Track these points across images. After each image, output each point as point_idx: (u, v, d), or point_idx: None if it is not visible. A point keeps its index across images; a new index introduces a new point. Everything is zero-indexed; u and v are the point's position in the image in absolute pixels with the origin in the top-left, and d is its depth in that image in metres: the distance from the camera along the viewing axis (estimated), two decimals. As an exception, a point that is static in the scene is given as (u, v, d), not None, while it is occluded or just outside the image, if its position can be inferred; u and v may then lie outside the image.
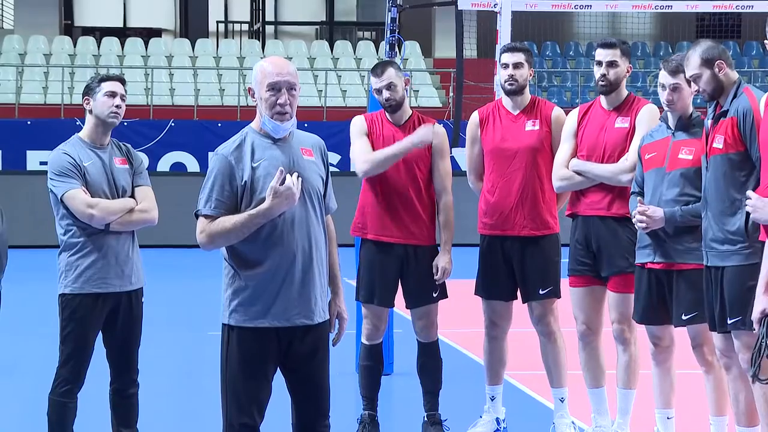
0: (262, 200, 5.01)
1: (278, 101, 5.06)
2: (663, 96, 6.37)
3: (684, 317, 6.35)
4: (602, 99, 6.99)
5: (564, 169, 6.95)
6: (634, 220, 6.42)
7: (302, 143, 5.21)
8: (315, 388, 5.17)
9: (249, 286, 5.06)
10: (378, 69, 7.18)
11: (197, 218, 5.09)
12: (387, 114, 7.23)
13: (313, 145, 5.25)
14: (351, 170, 23.50)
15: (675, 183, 6.33)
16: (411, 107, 7.34)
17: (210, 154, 21.60)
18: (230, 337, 5.10)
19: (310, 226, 5.11)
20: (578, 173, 6.90)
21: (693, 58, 5.87)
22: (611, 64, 6.87)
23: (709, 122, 5.95)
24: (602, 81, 6.87)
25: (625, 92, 6.97)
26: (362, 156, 7.10)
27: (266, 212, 4.97)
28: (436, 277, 7.16)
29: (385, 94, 7.15)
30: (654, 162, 6.43)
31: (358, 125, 7.25)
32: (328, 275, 5.23)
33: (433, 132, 7.07)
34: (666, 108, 6.47)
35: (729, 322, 5.80)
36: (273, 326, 5.05)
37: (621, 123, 6.88)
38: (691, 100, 6.45)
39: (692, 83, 6.02)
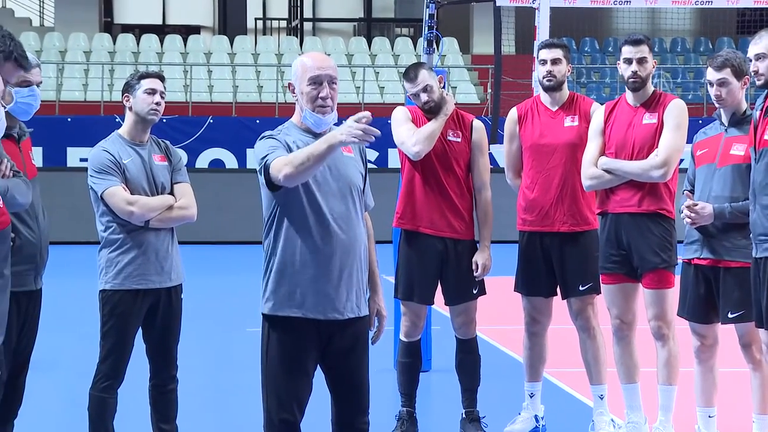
0: (299, 196, 5.01)
1: (320, 95, 5.07)
2: (711, 93, 6.35)
3: (730, 315, 6.32)
4: (629, 95, 6.95)
5: (593, 167, 6.91)
6: (681, 216, 6.39)
7: None
8: (354, 385, 5.17)
9: (289, 278, 5.06)
10: (411, 73, 7.17)
11: (266, 170, 4.97)
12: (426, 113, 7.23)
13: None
14: (389, 167, 23.57)
15: (725, 179, 6.30)
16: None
17: (248, 150, 21.75)
18: (270, 331, 5.11)
19: (350, 221, 5.11)
20: (608, 171, 6.87)
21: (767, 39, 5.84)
22: (641, 60, 6.83)
23: (757, 113, 5.90)
24: (633, 78, 6.83)
25: (651, 88, 6.94)
26: (411, 139, 7.09)
27: (331, 137, 4.84)
28: (476, 274, 7.15)
29: (423, 97, 7.14)
30: (705, 158, 6.40)
31: (401, 112, 7.25)
32: (367, 271, 5.23)
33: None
34: (716, 104, 6.44)
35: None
36: (311, 318, 5.05)
37: (649, 119, 6.85)
38: (743, 95, 6.41)
39: (740, 75, 6.00)
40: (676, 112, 6.81)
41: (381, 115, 21.86)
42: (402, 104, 7.66)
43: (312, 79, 5.07)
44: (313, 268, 5.05)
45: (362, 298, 5.19)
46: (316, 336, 5.09)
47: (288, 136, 5.10)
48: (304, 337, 5.07)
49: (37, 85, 5.76)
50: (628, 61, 6.84)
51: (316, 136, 5.12)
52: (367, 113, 4.89)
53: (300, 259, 5.05)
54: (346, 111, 5.25)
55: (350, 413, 5.19)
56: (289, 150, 5.05)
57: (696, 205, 6.29)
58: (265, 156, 5.01)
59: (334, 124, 5.15)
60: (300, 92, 5.11)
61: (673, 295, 6.77)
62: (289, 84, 5.17)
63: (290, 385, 5.08)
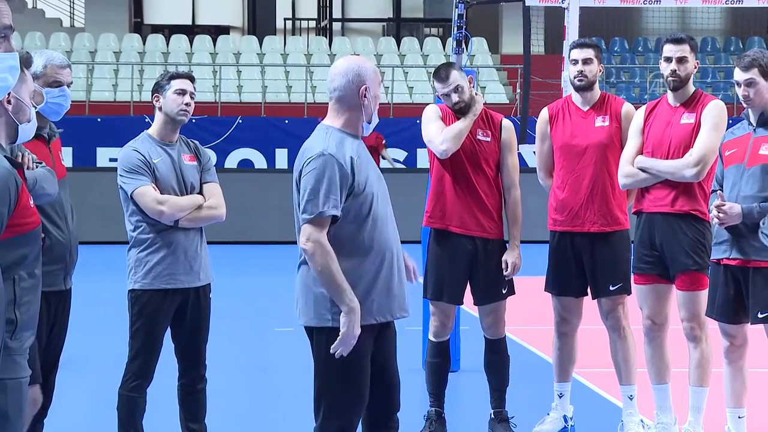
0: (363, 200, 5.01)
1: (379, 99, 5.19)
2: (739, 93, 6.32)
3: (760, 315, 6.29)
4: (669, 95, 6.93)
5: (629, 166, 6.90)
6: (711, 215, 6.37)
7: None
8: (391, 384, 5.19)
9: (355, 285, 5.00)
10: (442, 73, 7.16)
11: (310, 221, 4.92)
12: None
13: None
14: (418, 167, 23.51)
15: (754, 179, 6.26)
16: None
17: (277, 150, 21.78)
18: (329, 340, 5.00)
19: (394, 221, 5.17)
20: (642, 170, 6.85)
21: None
22: (681, 60, 6.80)
23: None
24: (673, 77, 6.81)
25: (692, 88, 6.91)
26: (438, 137, 7.09)
27: (351, 312, 4.94)
28: (505, 273, 7.13)
29: (454, 98, 7.13)
30: (734, 158, 6.37)
31: (432, 110, 7.26)
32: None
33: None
34: (744, 104, 6.41)
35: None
36: (377, 322, 5.07)
37: (687, 119, 6.83)
38: None
39: None
40: (714, 112, 6.78)
41: (409, 115, 21.98)
42: (430, 104, 7.65)
43: (380, 83, 5.14)
44: (378, 271, 5.04)
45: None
46: (372, 337, 5.09)
47: (347, 153, 5.01)
48: (366, 342, 5.05)
49: (68, 86, 5.78)
50: (668, 60, 6.81)
51: (354, 138, 5.11)
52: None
53: (365, 263, 5.02)
54: (375, 111, 5.26)
55: (385, 412, 5.20)
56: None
57: (725, 204, 6.26)
58: (322, 195, 4.92)
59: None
60: (373, 96, 5.09)
61: (706, 296, 6.73)
62: (366, 88, 5.06)
63: (361, 389, 5.06)
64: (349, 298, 4.92)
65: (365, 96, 5.06)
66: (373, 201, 5.05)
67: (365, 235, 5.02)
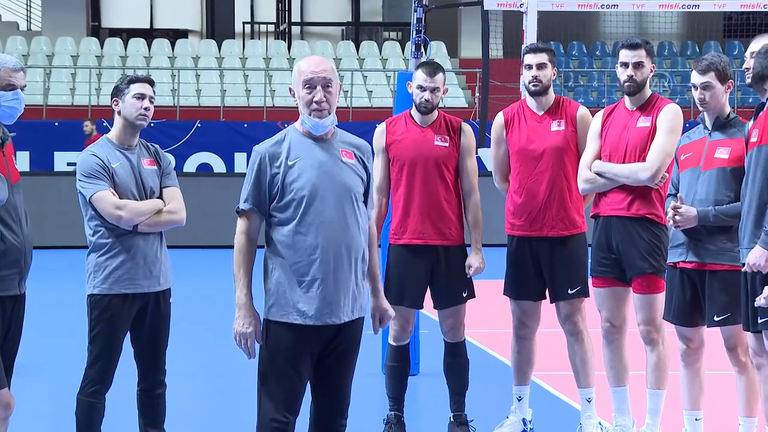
0: (291, 201, 5.08)
1: (314, 98, 5.12)
2: (695, 96, 6.37)
3: (716, 319, 6.33)
4: (626, 99, 6.98)
5: (588, 171, 6.94)
6: (667, 217, 6.41)
7: (344, 145, 5.25)
8: (336, 389, 5.22)
9: (286, 284, 5.11)
10: (431, 68, 7.17)
11: (239, 216, 5.23)
12: (416, 114, 7.23)
13: (357, 146, 5.29)
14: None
15: (710, 182, 6.30)
16: (437, 108, 7.34)
17: (236, 154, 21.73)
18: (268, 333, 5.17)
19: (346, 228, 5.14)
20: (599, 174, 6.89)
21: (765, 40, 5.91)
22: (637, 65, 6.85)
23: (752, 122, 5.95)
24: (629, 82, 6.85)
25: (648, 92, 6.96)
26: None
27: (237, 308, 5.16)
28: (469, 272, 7.13)
29: (426, 95, 7.14)
30: (690, 162, 6.41)
31: (375, 139, 7.27)
32: (365, 276, 5.25)
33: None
34: (700, 108, 6.46)
35: (759, 321, 5.78)
36: (310, 324, 5.09)
37: (643, 122, 6.87)
38: (726, 99, 6.43)
39: (724, 79, 6.11)
40: (670, 115, 6.83)
41: (369, 119, 22.04)
42: (390, 108, 7.67)
43: (306, 83, 5.13)
44: (308, 275, 5.10)
45: (358, 301, 5.21)
46: (313, 339, 5.12)
47: (284, 152, 5.15)
48: (300, 340, 5.10)
49: (21, 89, 5.74)
50: (625, 65, 6.86)
51: (316, 139, 5.15)
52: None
53: (296, 265, 5.10)
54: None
55: (329, 417, 5.25)
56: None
57: (681, 207, 6.31)
58: (243, 189, 5.23)
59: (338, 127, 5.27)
60: (298, 96, 5.18)
61: (663, 299, 6.78)
62: (290, 89, 5.25)
63: (282, 390, 5.13)
64: (237, 294, 5.13)
65: (294, 97, 5.22)
66: (307, 204, 5.10)
67: (294, 236, 5.10)
